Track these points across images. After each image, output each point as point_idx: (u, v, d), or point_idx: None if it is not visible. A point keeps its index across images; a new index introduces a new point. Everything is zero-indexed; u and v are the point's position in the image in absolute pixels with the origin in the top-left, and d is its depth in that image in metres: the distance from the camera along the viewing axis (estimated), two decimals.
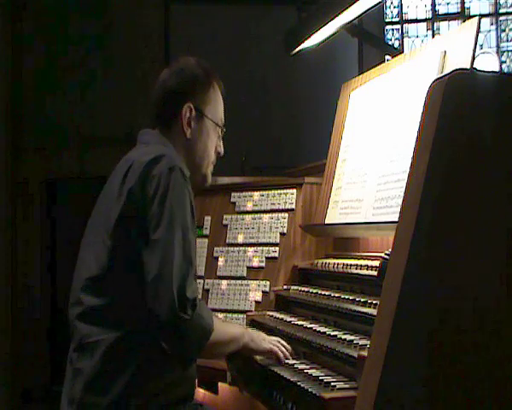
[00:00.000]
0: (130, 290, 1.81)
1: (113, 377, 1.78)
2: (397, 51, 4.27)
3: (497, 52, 6.62)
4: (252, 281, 2.70)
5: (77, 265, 1.95)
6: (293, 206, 2.71)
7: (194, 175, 2.05)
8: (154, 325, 1.75)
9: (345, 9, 2.85)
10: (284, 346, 2.06)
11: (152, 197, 1.79)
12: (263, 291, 2.65)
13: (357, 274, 2.20)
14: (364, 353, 1.57)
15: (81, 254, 1.96)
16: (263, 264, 2.70)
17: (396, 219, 1.46)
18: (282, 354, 2.02)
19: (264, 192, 2.83)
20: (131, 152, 2.02)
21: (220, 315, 2.69)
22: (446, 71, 1.99)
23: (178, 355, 1.84)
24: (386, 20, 7.07)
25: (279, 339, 2.10)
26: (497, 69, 4.59)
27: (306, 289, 2.44)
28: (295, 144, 5.73)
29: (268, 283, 2.64)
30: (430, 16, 7.01)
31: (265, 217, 2.77)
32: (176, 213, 1.79)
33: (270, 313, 2.49)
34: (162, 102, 2.08)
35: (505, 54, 6.80)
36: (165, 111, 2.07)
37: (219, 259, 2.85)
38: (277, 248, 2.68)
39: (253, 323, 2.46)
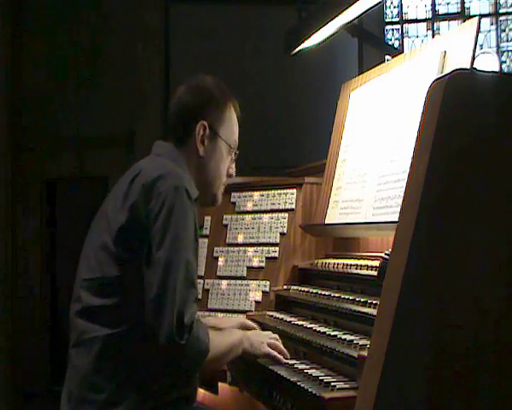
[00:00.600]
0: (128, 295, 1.81)
1: (108, 374, 1.79)
2: (397, 51, 4.28)
3: (497, 52, 6.62)
4: (252, 281, 2.70)
5: (80, 260, 1.96)
6: (293, 206, 2.71)
7: (203, 194, 2.06)
8: (152, 340, 1.77)
9: (345, 9, 2.85)
10: (277, 339, 2.08)
11: (156, 215, 1.78)
12: (263, 291, 2.64)
13: (357, 274, 2.20)
14: (364, 353, 1.57)
15: (85, 250, 1.96)
16: (263, 264, 2.70)
17: (396, 219, 1.46)
18: (280, 357, 2.02)
19: (264, 192, 2.83)
20: (143, 160, 2.01)
21: (220, 315, 2.69)
22: (446, 71, 1.99)
23: (176, 373, 1.86)
24: (386, 20, 7.08)
25: (277, 337, 2.10)
26: (497, 69, 4.59)
27: (306, 289, 2.44)
28: (295, 144, 5.73)
29: (268, 283, 2.64)
30: (430, 16, 7.01)
31: (265, 217, 2.77)
32: (179, 233, 1.78)
33: (270, 313, 2.49)
34: (176, 117, 2.09)
35: (505, 54, 6.81)
36: (178, 126, 2.07)
37: (219, 259, 2.85)
38: (277, 248, 2.68)
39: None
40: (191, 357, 1.78)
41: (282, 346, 2.06)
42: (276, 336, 2.11)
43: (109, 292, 1.82)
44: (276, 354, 2.03)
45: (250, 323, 2.30)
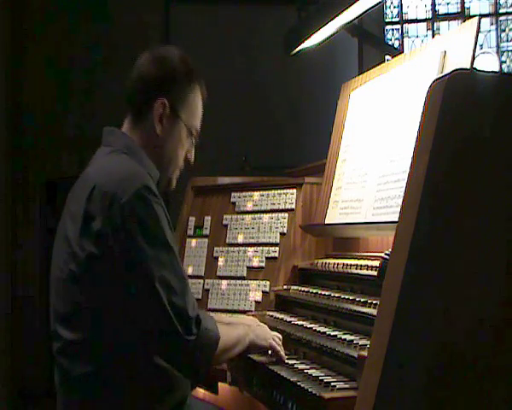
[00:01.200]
0: (104, 326, 1.74)
1: (101, 406, 1.76)
2: (397, 51, 4.27)
3: (497, 52, 6.62)
4: (252, 281, 2.70)
5: (50, 289, 1.88)
6: (293, 206, 2.71)
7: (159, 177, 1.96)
8: (164, 358, 1.77)
9: (345, 9, 2.85)
10: (280, 339, 2.07)
11: (126, 232, 1.69)
12: (263, 291, 2.65)
13: (357, 274, 2.20)
14: (364, 353, 1.57)
15: (53, 278, 1.87)
16: (263, 264, 2.70)
17: (396, 219, 1.46)
18: (283, 354, 2.01)
19: (264, 192, 2.83)
20: (93, 165, 1.90)
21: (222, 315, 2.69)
22: (446, 71, 1.99)
23: (190, 375, 1.84)
24: (386, 20, 7.07)
25: (280, 336, 2.09)
26: (497, 69, 4.58)
27: (306, 289, 2.44)
28: (295, 144, 5.72)
29: (268, 283, 2.64)
30: (430, 16, 7.01)
31: (265, 217, 2.77)
32: (155, 241, 1.71)
33: (270, 313, 2.49)
34: (135, 89, 1.94)
35: (505, 54, 6.80)
36: (136, 99, 1.93)
37: (219, 259, 2.85)
38: (277, 248, 2.68)
39: None
40: (204, 349, 1.75)
41: (280, 347, 2.05)
42: (280, 336, 2.09)
43: (85, 324, 1.75)
44: (280, 348, 2.01)
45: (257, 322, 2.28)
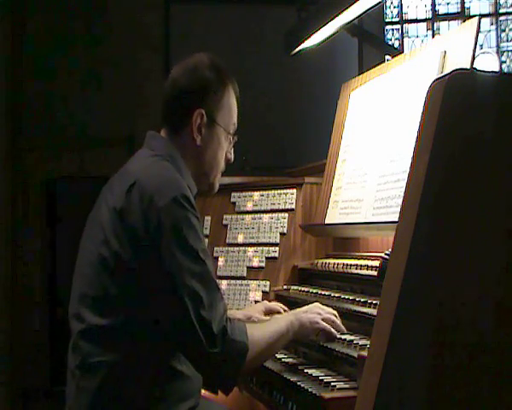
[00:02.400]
0: (132, 316, 1.74)
1: (116, 398, 1.74)
2: (397, 51, 4.28)
3: (497, 52, 6.62)
4: (252, 281, 2.70)
5: (76, 270, 1.88)
6: (293, 206, 2.71)
7: (200, 183, 1.98)
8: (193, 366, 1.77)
9: (345, 9, 2.85)
10: (335, 316, 1.99)
11: (160, 241, 1.69)
12: (263, 291, 2.64)
13: (357, 274, 2.20)
14: (364, 353, 1.57)
15: (81, 261, 1.88)
16: (263, 264, 2.70)
17: (396, 219, 1.46)
18: (334, 331, 1.94)
19: (264, 192, 2.83)
20: (133, 164, 1.91)
21: None
22: (446, 71, 1.99)
23: (217, 385, 1.81)
24: (386, 20, 7.08)
25: (335, 312, 2.02)
26: (497, 69, 4.59)
27: (306, 289, 2.44)
28: (295, 144, 5.73)
29: (268, 283, 2.64)
30: (430, 16, 7.01)
31: (265, 217, 2.77)
32: (186, 248, 1.70)
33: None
34: (172, 103, 1.96)
35: (505, 54, 6.80)
36: (174, 113, 1.96)
37: (219, 259, 2.85)
38: (277, 248, 2.68)
39: None
40: (231, 361, 1.72)
41: (338, 321, 1.98)
42: (335, 312, 2.01)
43: (111, 312, 1.74)
44: (329, 327, 1.93)
45: (274, 305, 2.24)
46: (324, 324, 1.94)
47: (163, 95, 1.99)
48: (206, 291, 1.71)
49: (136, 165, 1.90)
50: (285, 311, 2.25)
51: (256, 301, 2.64)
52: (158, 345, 1.76)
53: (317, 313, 1.97)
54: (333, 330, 1.93)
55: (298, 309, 2.03)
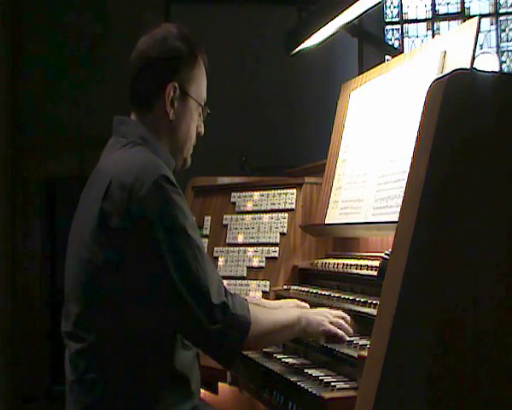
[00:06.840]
0: (127, 320, 1.70)
1: (115, 404, 1.73)
2: (397, 51, 4.29)
3: (497, 52, 6.62)
4: (252, 281, 2.70)
5: (65, 282, 1.84)
6: (293, 206, 2.71)
7: (176, 159, 1.92)
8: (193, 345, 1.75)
9: (345, 9, 2.85)
10: (344, 318, 1.95)
11: (146, 229, 1.66)
12: (263, 291, 2.64)
13: (357, 274, 2.20)
14: (364, 353, 1.57)
15: (67, 273, 1.83)
16: (263, 264, 2.70)
17: (396, 219, 1.46)
18: (342, 334, 1.90)
19: (264, 192, 2.83)
20: (106, 160, 1.86)
21: None
22: (446, 71, 1.99)
23: (219, 362, 1.79)
24: (386, 20, 7.08)
25: (345, 315, 1.98)
26: (497, 69, 4.59)
27: (306, 289, 2.44)
28: (295, 144, 5.73)
29: (268, 283, 2.64)
30: (430, 16, 7.01)
31: (265, 217, 2.77)
32: (173, 236, 1.67)
33: None
34: (142, 78, 1.87)
35: (505, 54, 6.81)
36: (144, 89, 1.86)
37: (219, 259, 2.85)
38: (277, 248, 2.68)
39: None
40: (232, 336, 1.70)
41: (347, 325, 1.93)
42: (345, 315, 1.97)
43: (102, 326, 1.71)
44: (336, 330, 1.89)
45: (304, 305, 2.21)
46: (330, 326, 1.91)
47: (129, 69, 1.90)
48: (198, 266, 1.68)
49: (108, 161, 1.84)
50: None
51: None
52: (158, 345, 1.74)
53: (325, 316, 1.95)
54: (339, 332, 1.90)
55: (307, 309, 2.01)
